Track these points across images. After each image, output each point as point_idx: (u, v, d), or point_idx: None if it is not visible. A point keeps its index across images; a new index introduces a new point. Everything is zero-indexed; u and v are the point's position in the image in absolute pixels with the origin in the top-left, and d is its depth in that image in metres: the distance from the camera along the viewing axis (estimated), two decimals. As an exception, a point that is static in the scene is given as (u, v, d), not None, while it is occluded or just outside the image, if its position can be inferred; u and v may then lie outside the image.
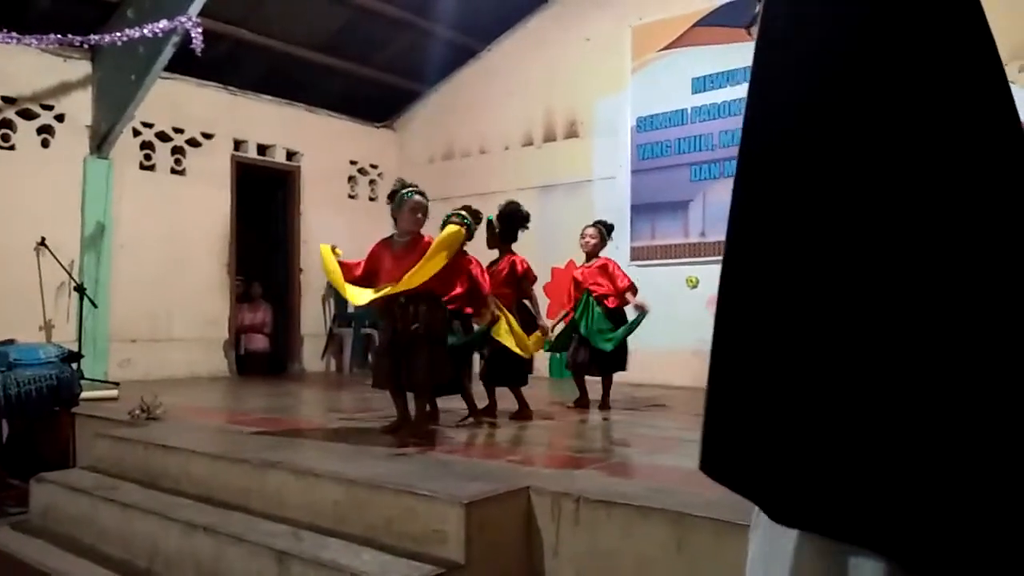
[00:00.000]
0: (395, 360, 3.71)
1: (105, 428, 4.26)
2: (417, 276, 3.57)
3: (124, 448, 3.85)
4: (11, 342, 5.03)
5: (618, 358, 4.90)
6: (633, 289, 4.91)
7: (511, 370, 4.38)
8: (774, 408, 0.82)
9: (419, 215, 3.81)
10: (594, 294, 4.83)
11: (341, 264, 3.80)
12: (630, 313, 4.93)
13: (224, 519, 2.92)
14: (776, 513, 0.83)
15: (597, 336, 4.77)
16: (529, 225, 4.55)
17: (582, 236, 5.06)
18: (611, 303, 4.85)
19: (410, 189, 3.83)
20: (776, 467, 0.82)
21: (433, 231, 3.97)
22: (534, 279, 4.57)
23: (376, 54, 8.19)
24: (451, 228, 3.75)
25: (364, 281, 3.78)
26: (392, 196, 3.89)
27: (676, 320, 6.70)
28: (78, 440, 4.67)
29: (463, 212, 4.17)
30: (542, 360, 6.80)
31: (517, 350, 4.21)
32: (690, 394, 6.01)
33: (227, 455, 3.32)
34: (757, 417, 0.83)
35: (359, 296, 3.68)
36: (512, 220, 4.46)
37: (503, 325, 4.20)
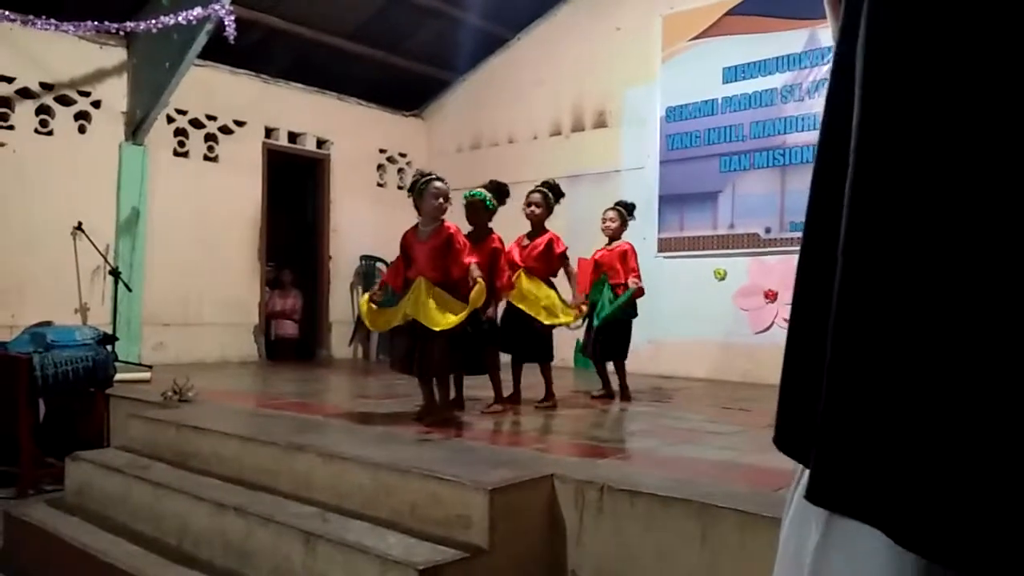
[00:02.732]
0: (410, 344, 3.77)
1: (138, 409, 4.35)
2: (439, 319, 3.65)
3: (157, 429, 3.93)
4: (48, 324, 5.16)
5: (618, 346, 4.86)
6: (637, 280, 4.83)
7: (537, 346, 4.41)
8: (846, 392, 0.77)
9: (441, 200, 3.85)
10: (610, 280, 4.82)
11: (389, 271, 4.10)
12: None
13: (253, 500, 2.97)
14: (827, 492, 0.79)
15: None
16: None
17: (602, 220, 5.01)
18: (620, 293, 4.80)
19: (429, 177, 3.89)
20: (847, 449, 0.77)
21: (458, 213, 4.03)
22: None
23: (406, 42, 8.21)
24: (480, 288, 3.70)
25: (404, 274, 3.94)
26: (412, 187, 3.95)
27: (703, 312, 6.67)
28: (112, 420, 4.78)
29: (484, 191, 4.21)
30: (568, 349, 6.80)
31: (548, 320, 4.27)
32: (715, 386, 5.99)
33: (257, 437, 3.38)
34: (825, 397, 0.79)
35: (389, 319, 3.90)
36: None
37: (531, 300, 4.25)
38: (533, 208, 4.49)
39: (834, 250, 0.82)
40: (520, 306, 4.26)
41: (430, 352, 3.72)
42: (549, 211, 4.53)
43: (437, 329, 3.65)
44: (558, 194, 4.55)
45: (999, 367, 0.67)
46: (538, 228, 4.53)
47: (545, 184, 4.58)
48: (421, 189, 3.85)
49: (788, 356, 0.90)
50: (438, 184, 3.85)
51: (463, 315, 3.67)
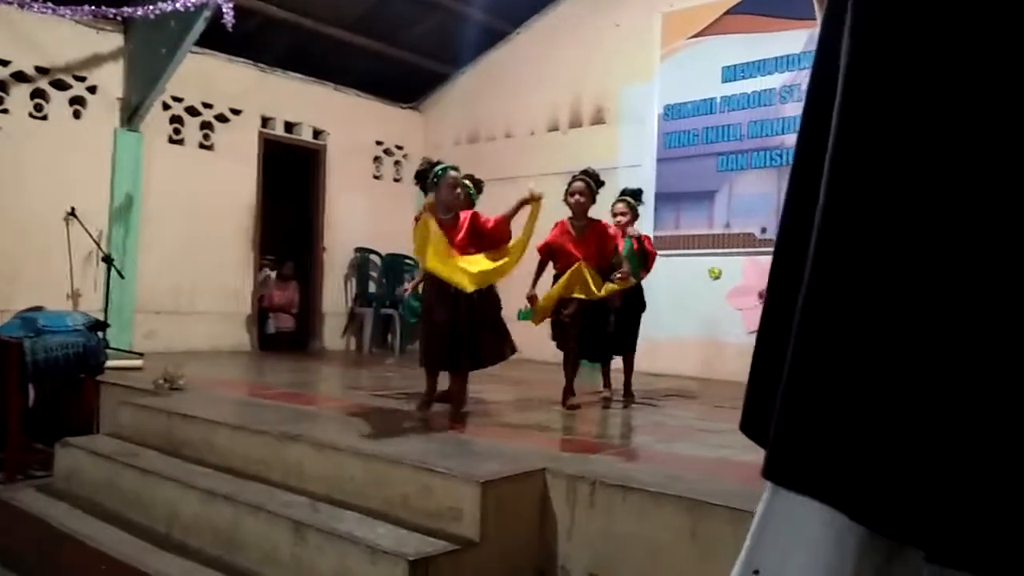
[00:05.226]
0: (455, 340, 3.64)
1: (129, 396, 4.33)
2: (492, 275, 3.61)
3: (147, 416, 3.91)
4: (39, 309, 5.12)
5: (631, 339, 4.84)
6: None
7: (620, 337, 4.43)
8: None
9: (458, 190, 3.80)
10: None
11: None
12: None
13: (243, 488, 2.97)
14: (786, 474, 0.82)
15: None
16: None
17: (613, 215, 4.84)
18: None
19: (443, 165, 3.78)
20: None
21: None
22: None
23: (405, 34, 8.18)
24: (522, 239, 3.72)
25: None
26: (423, 176, 3.81)
27: (697, 311, 6.68)
28: (102, 407, 4.75)
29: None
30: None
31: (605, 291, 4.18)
32: (708, 384, 6.00)
33: (248, 426, 3.37)
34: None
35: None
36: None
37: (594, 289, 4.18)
38: (578, 197, 4.34)
39: (808, 241, 0.84)
40: (587, 295, 4.13)
41: (482, 345, 3.69)
42: (593, 200, 4.39)
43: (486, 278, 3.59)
44: (599, 183, 4.42)
45: (943, 356, 0.71)
46: (584, 217, 4.39)
47: (586, 172, 4.45)
48: (436, 178, 3.73)
49: (758, 345, 0.93)
50: (454, 173, 3.76)
51: (510, 261, 3.65)
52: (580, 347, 4.36)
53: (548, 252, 4.37)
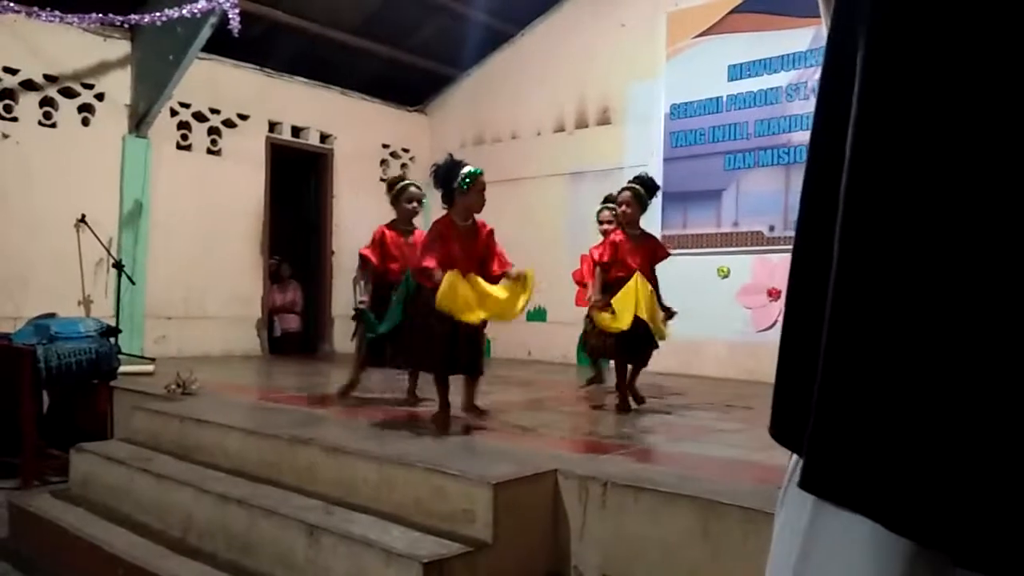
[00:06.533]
0: (463, 345, 3.44)
1: (142, 402, 4.36)
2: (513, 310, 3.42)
3: (160, 421, 3.94)
4: (52, 316, 5.17)
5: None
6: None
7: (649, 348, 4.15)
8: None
9: (485, 196, 3.51)
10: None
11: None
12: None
13: (256, 492, 2.98)
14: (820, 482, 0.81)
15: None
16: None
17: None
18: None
19: (474, 168, 3.46)
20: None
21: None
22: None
23: (410, 38, 8.21)
24: (531, 273, 3.48)
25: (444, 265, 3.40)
26: (448, 175, 3.44)
27: (706, 310, 6.66)
28: (116, 413, 4.78)
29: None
30: (569, 347, 6.80)
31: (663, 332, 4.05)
32: (718, 384, 5.99)
33: (260, 430, 3.39)
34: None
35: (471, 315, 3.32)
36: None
37: (652, 311, 3.99)
38: (624, 208, 4.14)
39: (830, 238, 0.82)
40: (644, 317, 3.93)
41: (480, 352, 3.58)
42: (643, 208, 4.16)
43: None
44: (651, 189, 4.15)
45: (988, 360, 0.69)
46: (636, 227, 4.20)
47: (636, 179, 4.21)
48: (465, 181, 3.41)
49: (783, 346, 0.91)
50: (484, 178, 3.49)
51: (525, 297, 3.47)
52: (627, 353, 4.17)
53: (611, 257, 4.11)
